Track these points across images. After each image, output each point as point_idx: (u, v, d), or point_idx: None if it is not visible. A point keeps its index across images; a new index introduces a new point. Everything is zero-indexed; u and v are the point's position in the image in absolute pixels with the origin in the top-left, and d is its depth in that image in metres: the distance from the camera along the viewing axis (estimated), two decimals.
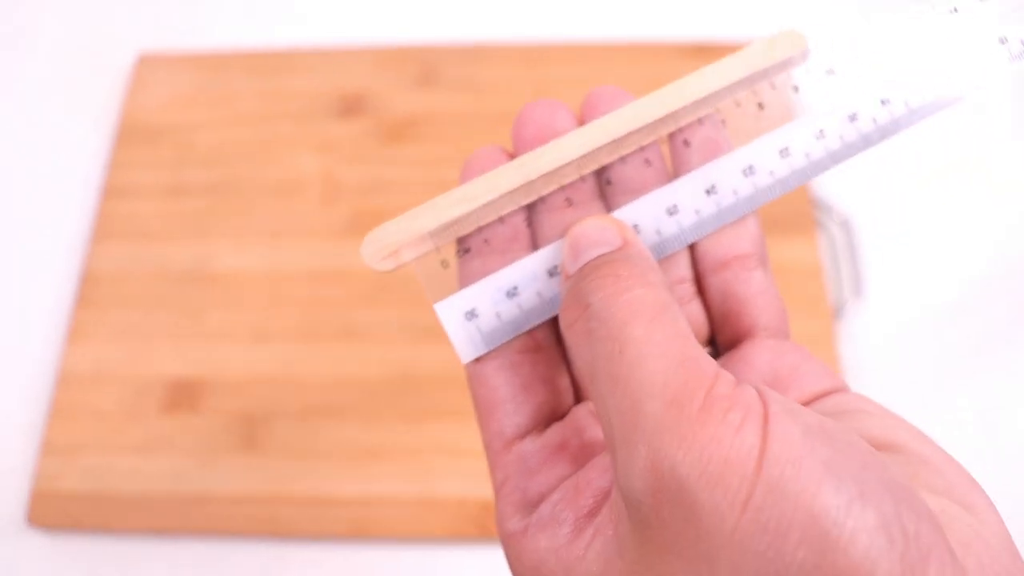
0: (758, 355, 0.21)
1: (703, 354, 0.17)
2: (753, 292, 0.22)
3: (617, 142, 0.21)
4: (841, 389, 0.20)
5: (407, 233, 0.21)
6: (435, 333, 0.46)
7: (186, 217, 0.49)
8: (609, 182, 0.22)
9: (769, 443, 0.15)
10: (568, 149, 0.21)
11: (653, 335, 0.17)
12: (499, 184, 0.21)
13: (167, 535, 0.42)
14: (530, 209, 0.22)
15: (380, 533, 0.41)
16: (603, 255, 0.19)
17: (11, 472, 0.44)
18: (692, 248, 0.22)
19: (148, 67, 0.54)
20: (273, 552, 0.42)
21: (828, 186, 0.49)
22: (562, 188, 0.22)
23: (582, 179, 0.22)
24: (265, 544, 0.42)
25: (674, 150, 0.22)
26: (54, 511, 0.42)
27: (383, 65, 0.54)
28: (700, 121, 0.22)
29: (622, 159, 0.22)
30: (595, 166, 0.22)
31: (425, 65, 0.53)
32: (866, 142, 0.22)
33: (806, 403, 0.20)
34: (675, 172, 0.22)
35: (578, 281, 0.19)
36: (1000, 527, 0.16)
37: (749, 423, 0.15)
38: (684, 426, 0.15)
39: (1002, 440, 0.43)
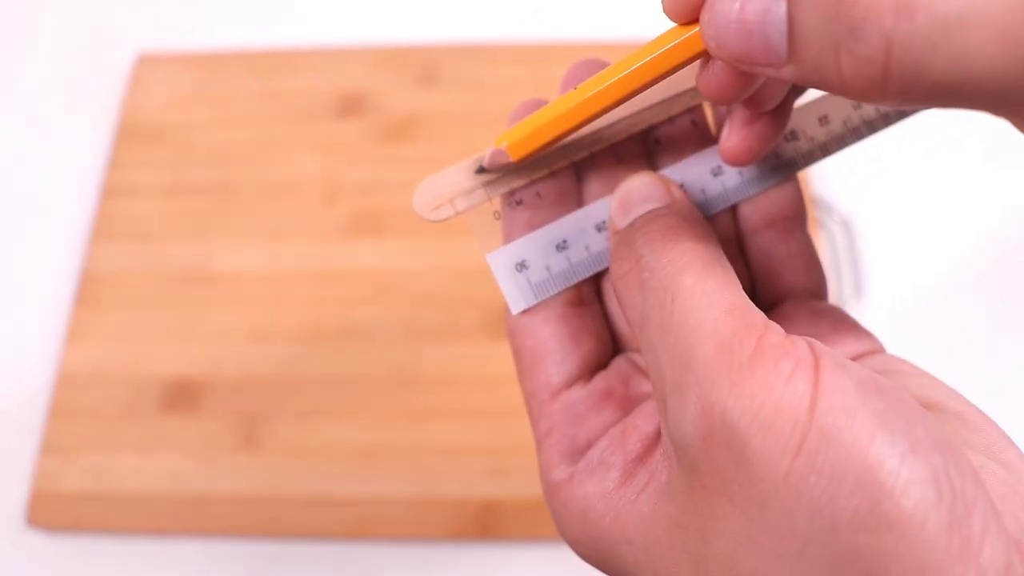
0: (798, 314, 0.22)
1: (752, 306, 0.17)
2: (794, 253, 0.22)
3: (667, 102, 0.22)
4: (879, 350, 0.21)
5: (460, 183, 0.21)
6: (435, 333, 0.46)
7: (186, 217, 0.49)
8: (658, 142, 0.22)
9: (821, 392, 0.15)
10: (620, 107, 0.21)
11: (703, 284, 0.17)
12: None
13: (167, 535, 0.42)
14: (579, 165, 0.22)
15: (380, 533, 0.41)
16: (653, 210, 0.20)
17: (11, 472, 0.44)
18: (735, 208, 0.23)
19: (148, 67, 0.54)
20: (273, 552, 0.42)
21: (828, 186, 0.49)
22: (612, 146, 0.22)
23: (631, 138, 0.22)
24: (265, 544, 0.42)
25: (718, 114, 0.22)
26: (54, 511, 0.42)
27: (383, 65, 0.54)
28: None
29: (670, 120, 0.22)
30: (644, 125, 0.22)
31: (425, 65, 0.53)
32: (899, 112, 0.22)
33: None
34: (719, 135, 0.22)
35: (631, 234, 0.19)
36: None
37: (800, 372, 0.15)
38: (735, 372, 0.15)
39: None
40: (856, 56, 0.14)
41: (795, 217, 0.22)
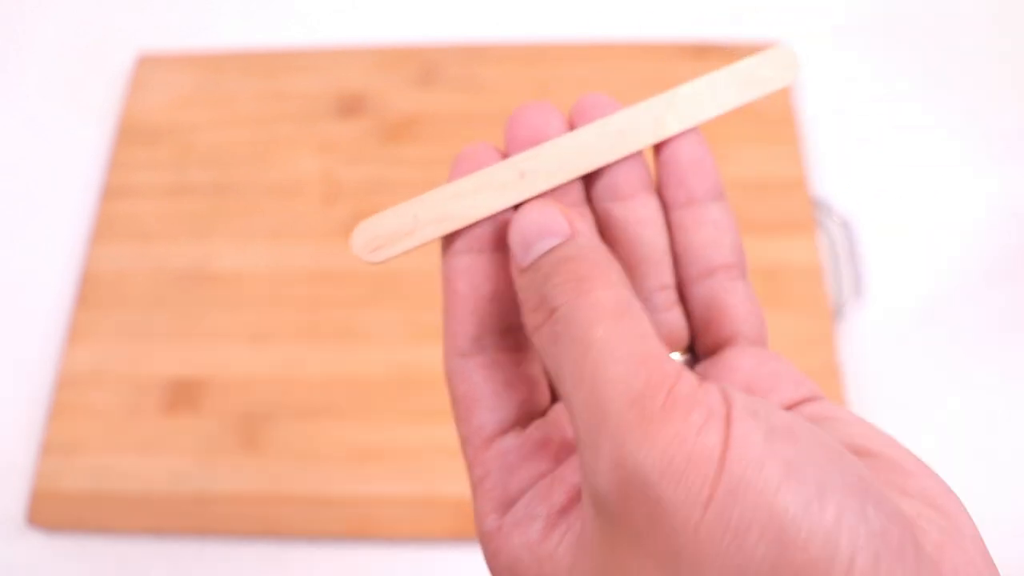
0: (740, 361, 0.21)
1: (665, 354, 0.17)
2: (736, 301, 0.22)
3: (607, 151, 0.21)
4: (818, 397, 0.21)
5: (398, 226, 0.22)
6: (435, 333, 0.46)
7: (186, 217, 0.49)
8: (594, 186, 0.22)
9: (731, 443, 0.15)
10: (561, 152, 0.21)
11: (615, 336, 0.17)
12: (492, 182, 0.21)
13: (167, 535, 0.42)
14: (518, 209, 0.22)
15: (380, 533, 0.41)
16: (559, 250, 0.19)
17: (11, 472, 0.44)
18: (675, 256, 0.22)
19: (148, 67, 0.54)
20: (273, 552, 0.42)
21: (828, 186, 0.49)
22: (552, 189, 0.22)
23: (570, 182, 0.22)
24: (265, 544, 0.42)
25: (659, 163, 0.22)
26: (54, 511, 0.42)
27: (383, 65, 0.54)
28: (684, 136, 0.22)
29: (610, 166, 0.22)
30: (586, 170, 0.22)
31: (425, 65, 0.53)
32: None
33: (785, 409, 0.20)
34: (659, 183, 0.22)
35: (539, 281, 0.19)
36: (973, 531, 0.16)
37: (712, 423, 0.15)
38: (646, 425, 0.15)
39: (1001, 439, 0.43)
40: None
41: (736, 265, 0.22)
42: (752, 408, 0.16)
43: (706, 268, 0.22)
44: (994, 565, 0.16)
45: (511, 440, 0.21)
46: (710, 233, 0.22)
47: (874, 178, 0.50)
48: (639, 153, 0.22)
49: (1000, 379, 0.45)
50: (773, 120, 0.50)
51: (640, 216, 0.22)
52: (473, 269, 0.22)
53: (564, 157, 0.21)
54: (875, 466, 0.17)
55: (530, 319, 0.19)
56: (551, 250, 0.19)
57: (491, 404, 0.21)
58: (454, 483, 0.42)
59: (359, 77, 0.53)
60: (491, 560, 0.20)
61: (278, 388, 0.45)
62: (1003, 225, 0.49)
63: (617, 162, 0.22)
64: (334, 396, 0.44)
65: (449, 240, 0.22)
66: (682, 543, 0.15)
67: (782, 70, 0.22)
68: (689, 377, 0.16)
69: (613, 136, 0.21)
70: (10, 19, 0.58)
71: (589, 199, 0.22)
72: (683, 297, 0.23)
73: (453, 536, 0.41)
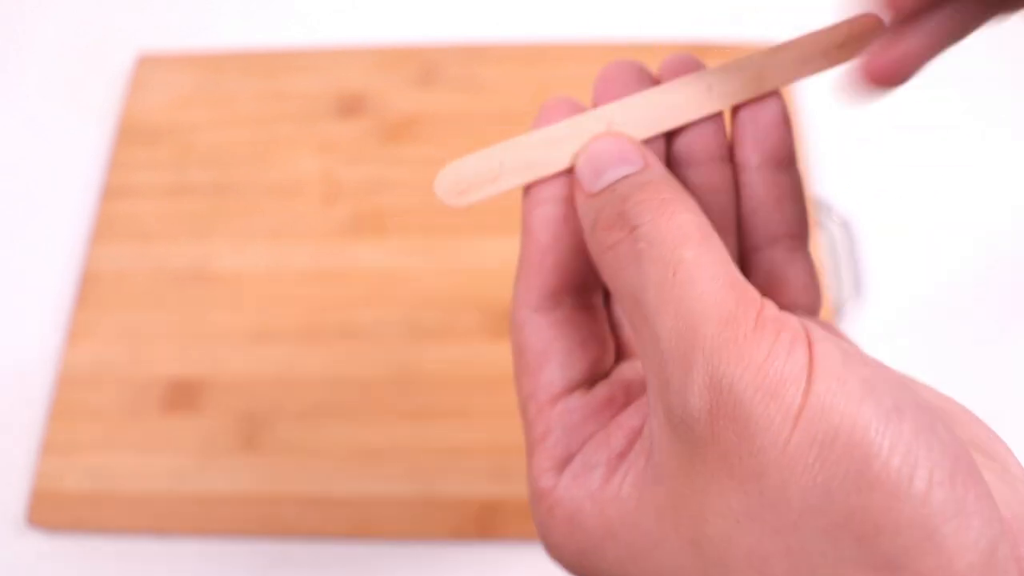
0: None
1: (747, 281, 0.17)
2: (795, 272, 0.22)
3: (696, 107, 0.21)
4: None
5: (485, 170, 0.21)
6: (435, 333, 0.46)
7: (186, 217, 0.49)
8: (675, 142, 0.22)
9: (816, 363, 0.15)
10: (651, 105, 0.21)
11: (703, 258, 0.17)
12: (581, 131, 0.21)
13: (167, 535, 0.42)
14: None
15: (380, 533, 0.41)
16: (637, 176, 0.19)
17: (11, 472, 0.44)
18: (741, 219, 0.22)
19: (148, 67, 0.54)
20: (273, 552, 0.42)
21: (828, 186, 0.49)
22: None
23: (655, 138, 0.22)
24: (265, 544, 0.42)
25: (737, 122, 0.22)
26: (54, 511, 0.42)
27: (383, 65, 0.54)
28: (768, 97, 0.22)
29: (692, 127, 0.22)
30: (674, 125, 0.21)
31: (425, 65, 0.53)
32: None
33: None
34: (734, 141, 0.22)
35: (618, 202, 0.19)
36: (1022, 473, 0.17)
37: (798, 344, 0.16)
38: (741, 343, 0.16)
39: (1003, 438, 0.43)
40: None
41: (800, 236, 0.22)
42: (825, 335, 0.16)
43: (770, 236, 0.22)
44: None
45: (577, 400, 0.21)
46: (778, 200, 0.22)
47: (874, 178, 0.50)
48: (721, 117, 0.22)
49: (1000, 379, 0.45)
50: None
51: (715, 183, 0.22)
52: (557, 219, 0.21)
53: (654, 110, 0.21)
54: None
55: (603, 237, 0.19)
56: (626, 177, 0.19)
57: (563, 361, 0.21)
58: (454, 483, 0.42)
59: (359, 77, 0.53)
60: (546, 515, 0.20)
61: (278, 388, 0.45)
62: (1003, 225, 0.49)
63: (700, 124, 0.22)
64: (334, 396, 0.44)
65: (533, 188, 0.21)
66: (768, 461, 0.15)
67: (869, 34, 0.22)
68: (771, 303, 0.17)
69: (703, 93, 0.21)
70: (10, 19, 0.58)
71: (669, 152, 0.22)
72: (744, 263, 0.23)
73: (453, 536, 0.41)
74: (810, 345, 0.16)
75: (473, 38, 0.54)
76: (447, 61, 0.53)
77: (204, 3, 0.58)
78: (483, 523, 0.41)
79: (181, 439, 0.44)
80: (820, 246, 0.47)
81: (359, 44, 0.55)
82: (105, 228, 0.49)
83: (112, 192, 0.50)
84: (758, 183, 0.22)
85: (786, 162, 0.22)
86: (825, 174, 0.50)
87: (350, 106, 0.52)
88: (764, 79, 0.21)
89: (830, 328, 0.21)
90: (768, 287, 0.22)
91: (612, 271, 0.18)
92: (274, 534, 0.42)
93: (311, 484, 0.42)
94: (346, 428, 0.43)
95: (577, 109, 0.22)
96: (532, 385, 0.21)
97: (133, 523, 0.42)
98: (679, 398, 0.16)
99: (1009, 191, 0.49)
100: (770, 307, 0.17)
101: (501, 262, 0.46)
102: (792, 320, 0.16)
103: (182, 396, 0.45)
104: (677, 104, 0.21)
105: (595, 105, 0.22)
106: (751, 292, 0.17)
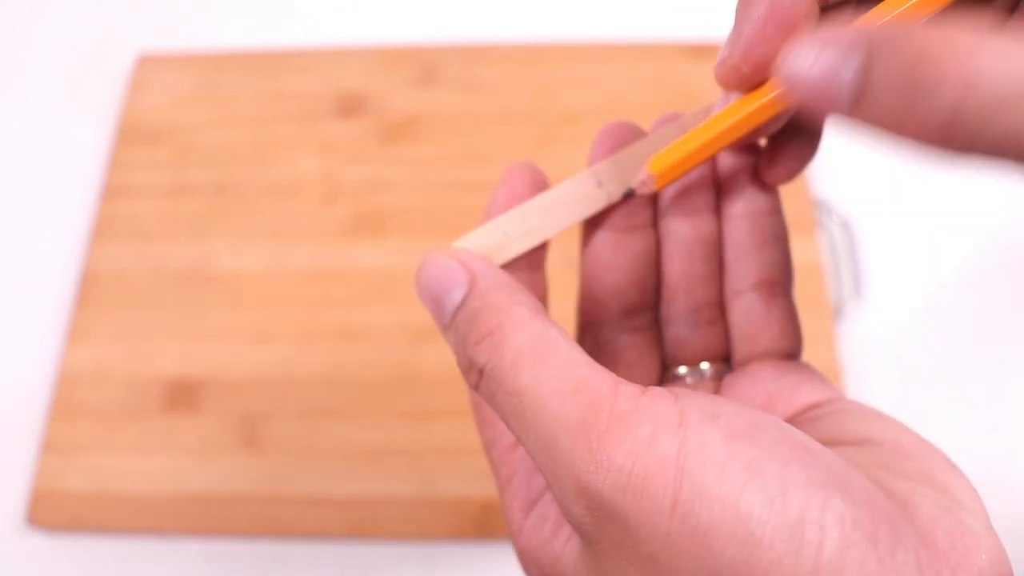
0: (763, 372, 0.22)
1: (597, 375, 0.17)
2: (773, 319, 0.22)
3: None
4: (836, 399, 0.21)
5: (491, 242, 0.22)
6: (435, 333, 0.46)
7: (186, 217, 0.49)
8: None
9: (688, 449, 0.15)
10: (638, 159, 0.21)
11: (541, 376, 0.17)
12: (574, 193, 0.22)
13: (167, 535, 0.42)
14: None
15: (380, 533, 0.41)
16: (466, 306, 0.19)
17: (11, 472, 0.44)
18: (724, 265, 0.23)
19: (148, 67, 0.54)
20: (273, 552, 0.42)
21: (828, 186, 0.49)
22: (625, 199, 0.22)
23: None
24: (265, 544, 0.42)
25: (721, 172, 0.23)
26: (54, 511, 0.42)
27: (383, 65, 0.54)
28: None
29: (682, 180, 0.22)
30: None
31: (425, 65, 0.53)
32: None
33: (801, 412, 0.21)
34: (720, 189, 0.23)
35: (463, 347, 0.19)
36: (973, 502, 0.17)
37: (662, 432, 0.16)
38: (595, 450, 0.16)
39: (1002, 437, 0.43)
40: (926, 108, 0.15)
41: (781, 282, 0.23)
42: (712, 411, 0.16)
43: (751, 282, 0.22)
44: (994, 533, 0.16)
45: None
46: (760, 247, 0.22)
47: (874, 178, 0.50)
48: (708, 173, 0.22)
49: (1001, 379, 0.45)
50: None
51: (700, 233, 0.22)
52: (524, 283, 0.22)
53: (632, 163, 0.21)
54: (875, 454, 0.18)
55: (468, 380, 0.19)
56: (460, 306, 0.20)
57: None
58: (454, 483, 0.42)
59: (359, 77, 0.53)
60: (519, 558, 0.21)
61: (278, 388, 0.45)
62: (1003, 225, 0.49)
63: (689, 178, 0.22)
64: (334, 396, 0.44)
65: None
66: (657, 549, 0.15)
67: None
68: (628, 391, 0.17)
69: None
70: (10, 19, 0.58)
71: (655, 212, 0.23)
72: (726, 309, 0.23)
73: (453, 536, 0.41)
74: (683, 430, 0.16)
75: (473, 38, 0.54)
76: (447, 61, 0.53)
77: (204, 3, 0.58)
78: (483, 523, 0.41)
79: (181, 439, 0.44)
80: (820, 246, 0.47)
81: (359, 44, 0.55)
82: (105, 228, 0.49)
83: (112, 192, 0.50)
84: (741, 230, 0.23)
85: (770, 210, 0.23)
86: (825, 174, 0.50)
87: (350, 106, 0.52)
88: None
89: (815, 387, 0.21)
90: (746, 332, 0.22)
91: (487, 402, 0.19)
92: (274, 534, 0.42)
93: (311, 484, 0.42)
94: (346, 428, 0.43)
95: (536, 177, 0.22)
96: (492, 434, 0.22)
97: (133, 523, 0.42)
98: (563, 506, 0.17)
99: (1009, 191, 0.49)
100: (626, 398, 0.16)
101: None
102: (656, 405, 0.16)
103: (182, 396, 0.45)
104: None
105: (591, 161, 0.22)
106: (602, 388, 0.17)
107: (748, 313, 0.22)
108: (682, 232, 0.22)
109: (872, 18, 0.17)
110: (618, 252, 0.22)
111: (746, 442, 0.16)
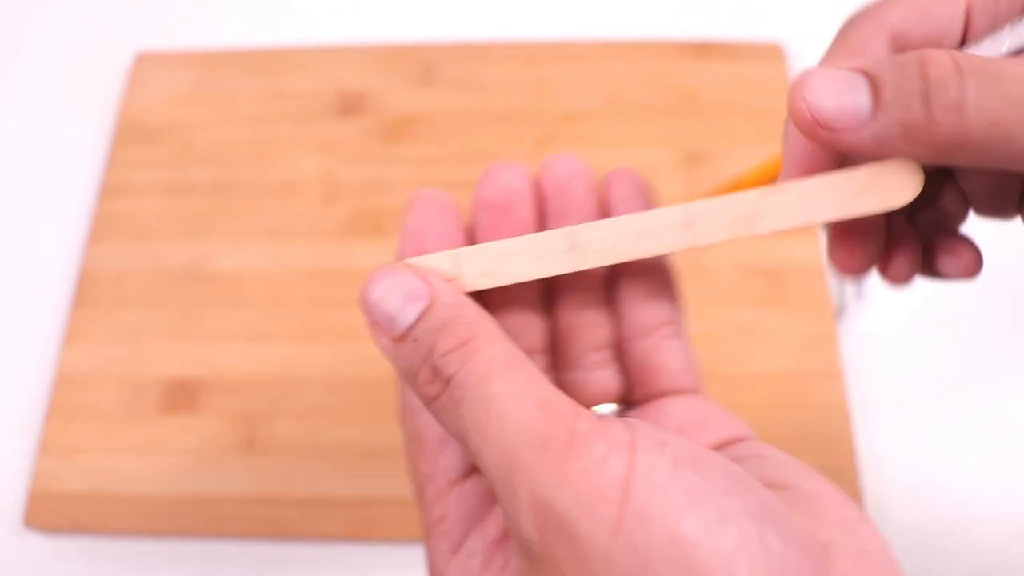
0: (671, 407, 0.23)
1: (559, 396, 0.18)
2: (670, 360, 0.23)
3: (667, 243, 0.21)
4: (747, 437, 0.22)
5: (446, 269, 0.21)
6: None
7: (185, 217, 0.49)
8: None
9: (636, 471, 0.16)
10: (620, 232, 0.21)
11: (510, 387, 0.18)
12: (542, 247, 0.21)
13: (166, 535, 0.42)
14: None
15: (380, 533, 0.41)
16: (432, 316, 0.20)
17: (9, 473, 0.44)
18: (616, 315, 0.23)
19: (146, 66, 0.54)
20: (273, 552, 0.42)
21: None
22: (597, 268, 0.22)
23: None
24: (265, 544, 0.42)
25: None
26: (52, 512, 0.42)
27: (383, 65, 0.54)
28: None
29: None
30: (642, 256, 0.21)
31: (425, 65, 0.53)
32: None
33: (719, 447, 0.21)
34: None
35: (428, 355, 0.19)
36: (883, 552, 0.17)
37: (614, 453, 0.16)
38: (554, 464, 0.16)
39: (1002, 438, 0.43)
40: (936, 106, 0.17)
41: (673, 323, 0.23)
42: (660, 439, 0.17)
43: (644, 327, 0.23)
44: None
45: (473, 484, 0.22)
46: (649, 295, 0.23)
47: None
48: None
49: (1001, 379, 0.45)
50: (773, 120, 0.50)
51: (591, 282, 0.23)
52: None
53: (621, 238, 0.21)
54: (794, 498, 0.18)
55: (425, 391, 0.19)
56: (424, 318, 0.20)
57: (462, 447, 0.21)
58: None
59: (359, 77, 0.53)
60: None
61: (278, 388, 0.44)
62: (1004, 228, 0.49)
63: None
64: (334, 396, 0.44)
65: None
66: (599, 568, 0.16)
67: (898, 190, 0.20)
68: (587, 415, 0.17)
69: (676, 227, 0.21)
70: (10, 19, 0.58)
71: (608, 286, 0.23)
72: (621, 351, 0.24)
73: None
74: (632, 454, 0.16)
75: (473, 37, 0.54)
76: (447, 60, 0.53)
77: (203, 2, 0.58)
78: None
79: (179, 440, 0.43)
80: (821, 246, 0.47)
81: (359, 43, 0.54)
82: (103, 227, 0.49)
83: (110, 191, 0.50)
84: (632, 283, 0.23)
85: (656, 263, 0.23)
86: None
87: (350, 105, 0.52)
88: (757, 222, 0.21)
89: (727, 426, 0.22)
90: (645, 374, 0.23)
91: (439, 417, 0.19)
92: (273, 535, 0.42)
93: (310, 485, 0.42)
94: (345, 428, 0.43)
95: (444, 204, 0.22)
96: (431, 468, 0.22)
97: (131, 524, 0.42)
98: (513, 523, 0.17)
99: None
100: (585, 420, 0.17)
101: None
102: (611, 429, 0.17)
103: (180, 396, 0.44)
104: (650, 234, 0.21)
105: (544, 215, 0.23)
106: (563, 408, 0.17)
107: (645, 355, 0.23)
108: (571, 281, 0.23)
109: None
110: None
111: (691, 470, 0.16)
